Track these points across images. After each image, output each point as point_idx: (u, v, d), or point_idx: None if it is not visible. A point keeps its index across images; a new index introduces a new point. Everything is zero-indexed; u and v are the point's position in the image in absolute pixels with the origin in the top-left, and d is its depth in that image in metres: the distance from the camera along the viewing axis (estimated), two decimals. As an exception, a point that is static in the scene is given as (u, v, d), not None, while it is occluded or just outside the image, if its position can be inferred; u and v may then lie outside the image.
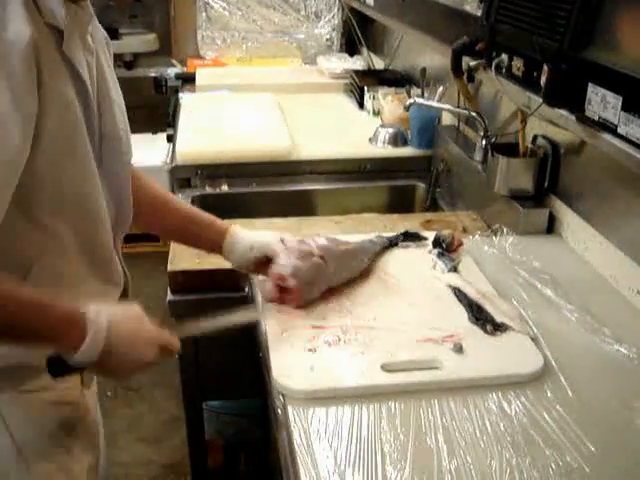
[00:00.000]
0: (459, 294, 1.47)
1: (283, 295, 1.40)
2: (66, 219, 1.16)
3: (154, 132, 4.00)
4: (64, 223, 1.16)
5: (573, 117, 1.49)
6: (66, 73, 1.09)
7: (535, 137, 1.85)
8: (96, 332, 1.09)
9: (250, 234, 1.49)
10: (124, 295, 1.37)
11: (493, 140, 2.02)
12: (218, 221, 1.51)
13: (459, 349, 1.29)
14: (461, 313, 1.42)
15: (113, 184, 1.26)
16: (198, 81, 3.38)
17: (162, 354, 1.24)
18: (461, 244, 1.66)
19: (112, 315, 1.13)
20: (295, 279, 1.39)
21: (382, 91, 2.85)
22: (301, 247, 1.43)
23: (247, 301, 1.56)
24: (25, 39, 1.00)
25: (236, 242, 1.47)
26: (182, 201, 1.54)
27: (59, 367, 1.12)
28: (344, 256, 1.49)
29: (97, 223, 1.23)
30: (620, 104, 1.32)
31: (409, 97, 2.47)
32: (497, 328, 1.36)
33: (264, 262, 1.45)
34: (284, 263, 1.40)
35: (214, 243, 1.49)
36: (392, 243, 1.67)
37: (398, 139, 2.56)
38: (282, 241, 1.45)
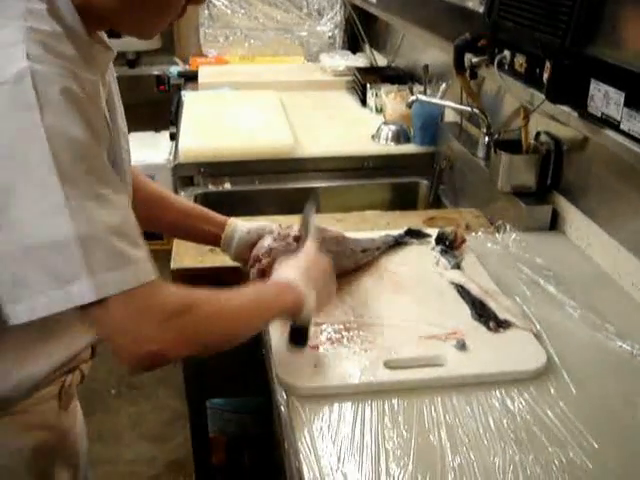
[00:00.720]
0: (462, 291, 1.47)
1: (263, 278, 1.42)
2: None
3: (157, 130, 4.00)
4: None
5: (576, 113, 1.49)
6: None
7: (538, 133, 1.85)
8: (308, 295, 1.21)
9: (248, 223, 1.52)
10: None
11: (496, 137, 2.02)
12: (217, 215, 1.54)
13: (462, 346, 1.29)
14: (464, 310, 1.42)
15: None
16: (201, 79, 3.38)
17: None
18: (464, 241, 1.66)
19: (303, 270, 1.27)
20: (268, 258, 1.42)
21: (385, 88, 2.85)
22: (281, 230, 1.47)
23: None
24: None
25: (235, 231, 1.51)
26: (179, 197, 1.56)
27: (298, 337, 1.25)
28: (332, 242, 1.50)
29: None
30: (623, 100, 1.31)
31: (412, 94, 2.47)
32: (500, 325, 1.36)
33: None
34: (261, 245, 1.45)
35: (213, 235, 1.51)
36: (397, 242, 1.66)
37: (401, 136, 2.56)
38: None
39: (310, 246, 1.36)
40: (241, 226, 1.51)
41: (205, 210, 1.55)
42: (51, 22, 0.95)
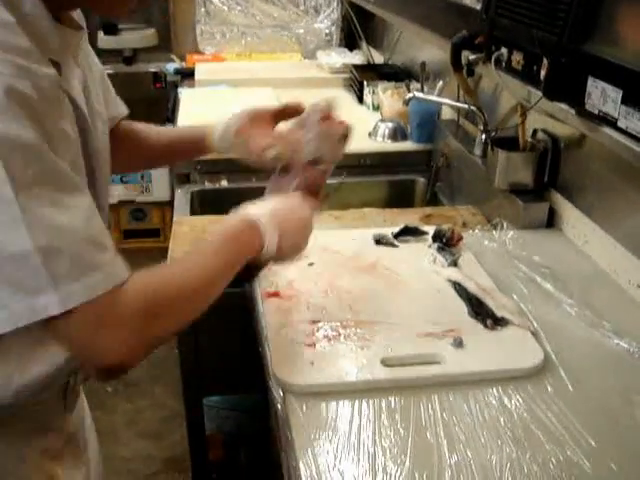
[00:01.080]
0: (459, 288, 1.47)
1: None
2: None
3: (153, 127, 3.99)
4: None
5: (573, 111, 1.49)
6: (68, 108, 1.03)
7: (535, 131, 1.85)
8: (271, 234, 1.18)
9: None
10: None
11: (493, 134, 2.02)
12: (196, 128, 1.54)
13: (459, 344, 1.29)
14: (461, 307, 1.42)
15: (101, 197, 1.24)
16: (197, 76, 3.37)
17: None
18: (461, 238, 1.66)
19: (274, 211, 1.23)
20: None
21: (382, 85, 2.84)
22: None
23: (247, 296, 1.55)
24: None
25: (217, 124, 1.49)
26: (153, 128, 1.53)
27: (246, 273, 1.23)
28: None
29: None
30: (620, 97, 1.31)
31: (409, 91, 2.46)
32: (497, 322, 1.36)
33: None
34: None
35: (200, 141, 1.51)
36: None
37: (398, 133, 2.56)
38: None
39: (295, 194, 1.35)
40: (222, 119, 1.49)
41: (182, 131, 1.57)
42: (2, 12, 0.90)
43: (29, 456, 1.21)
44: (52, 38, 0.99)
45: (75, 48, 1.10)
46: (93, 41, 3.80)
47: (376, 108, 2.90)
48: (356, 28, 3.72)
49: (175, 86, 3.40)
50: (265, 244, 1.18)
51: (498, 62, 1.74)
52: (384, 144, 2.55)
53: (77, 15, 1.15)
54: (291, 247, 1.24)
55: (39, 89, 0.90)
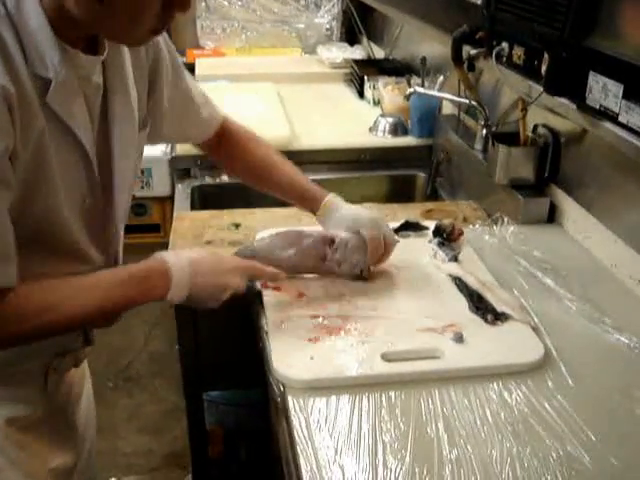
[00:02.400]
0: (460, 283, 1.47)
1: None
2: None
3: (154, 122, 3.99)
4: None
5: (574, 106, 1.49)
6: (42, 121, 1.08)
7: (536, 126, 1.84)
8: (180, 271, 1.23)
9: (349, 207, 1.53)
10: None
11: (494, 129, 2.02)
12: (315, 193, 1.55)
13: (459, 338, 1.28)
14: (462, 303, 1.42)
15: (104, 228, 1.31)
16: (197, 71, 3.36)
17: (250, 277, 1.37)
18: (461, 233, 1.66)
19: (191, 255, 1.28)
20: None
21: (382, 80, 2.84)
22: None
23: (250, 292, 1.55)
24: None
25: (330, 211, 1.52)
26: (282, 167, 1.59)
27: None
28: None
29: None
30: (621, 92, 1.31)
31: (409, 86, 2.46)
32: (498, 317, 1.35)
33: None
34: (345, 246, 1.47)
35: (312, 203, 1.55)
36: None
37: (398, 129, 2.56)
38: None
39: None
40: (343, 206, 1.52)
41: (302, 190, 1.56)
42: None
43: None
44: (50, 56, 1.06)
45: (85, 69, 1.15)
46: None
47: (377, 103, 2.89)
48: (357, 23, 3.71)
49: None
50: (169, 295, 1.23)
51: (499, 57, 1.74)
52: (384, 139, 2.55)
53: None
54: (197, 302, 1.29)
55: None
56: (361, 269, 1.47)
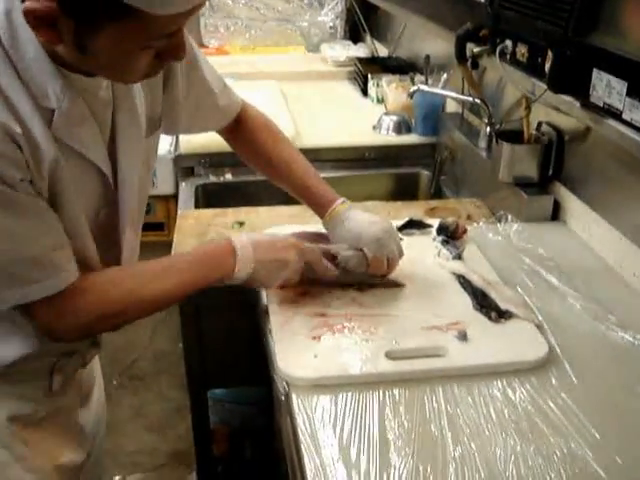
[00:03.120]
0: (463, 281, 1.47)
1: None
2: None
3: (158, 121, 3.99)
4: None
5: (578, 103, 1.49)
6: (53, 151, 1.08)
7: (539, 124, 1.84)
8: (244, 248, 1.28)
9: (358, 215, 1.49)
10: None
11: (497, 127, 2.01)
12: (326, 196, 1.53)
13: (464, 336, 1.28)
14: (465, 300, 1.42)
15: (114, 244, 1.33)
16: (201, 69, 3.36)
17: (307, 259, 1.36)
18: (465, 231, 1.66)
19: (250, 235, 1.33)
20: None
21: (386, 78, 2.84)
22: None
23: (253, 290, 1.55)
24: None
25: (336, 220, 1.49)
26: (299, 167, 1.58)
27: None
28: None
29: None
30: (625, 90, 1.31)
31: (413, 84, 2.46)
32: (502, 315, 1.35)
33: None
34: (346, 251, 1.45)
35: (322, 207, 1.53)
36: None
37: (402, 127, 2.56)
38: None
39: (288, 237, 1.40)
40: (354, 216, 1.47)
41: (312, 192, 1.54)
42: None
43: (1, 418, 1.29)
44: (52, 85, 1.06)
45: (86, 91, 1.13)
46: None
47: (380, 101, 2.89)
48: (360, 21, 3.71)
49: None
50: (236, 271, 1.27)
51: (503, 54, 1.74)
52: (388, 137, 2.55)
53: None
54: (261, 280, 1.33)
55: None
56: (358, 283, 1.46)
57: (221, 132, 1.59)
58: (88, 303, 1.17)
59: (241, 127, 1.57)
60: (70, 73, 1.08)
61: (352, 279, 1.45)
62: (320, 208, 1.51)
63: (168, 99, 1.36)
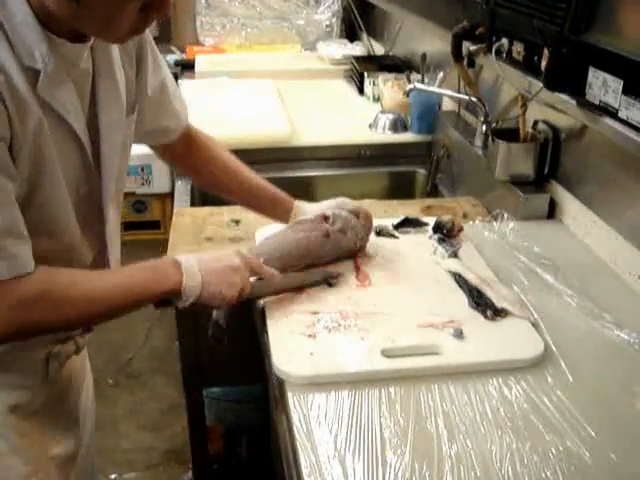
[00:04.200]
0: (459, 279, 1.47)
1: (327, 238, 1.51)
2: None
3: (153, 119, 3.98)
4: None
5: (574, 101, 1.49)
6: (38, 111, 1.09)
7: (536, 122, 1.84)
8: (187, 260, 1.25)
9: (313, 205, 1.59)
10: None
11: (493, 125, 2.02)
12: (284, 197, 1.61)
13: (459, 334, 1.28)
14: (461, 298, 1.42)
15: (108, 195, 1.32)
16: (197, 68, 3.36)
17: (247, 261, 1.35)
18: (461, 230, 1.66)
19: (193, 254, 1.30)
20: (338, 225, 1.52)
21: (382, 77, 2.84)
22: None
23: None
24: None
25: (302, 214, 1.57)
26: (251, 173, 1.61)
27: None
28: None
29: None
30: (621, 88, 1.31)
31: (409, 83, 2.46)
32: (497, 313, 1.35)
33: None
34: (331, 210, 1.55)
35: (280, 218, 1.61)
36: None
37: (398, 125, 2.56)
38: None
39: (229, 252, 1.36)
40: (309, 207, 1.57)
41: (270, 192, 1.60)
42: None
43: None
44: (38, 47, 1.07)
45: (75, 58, 1.16)
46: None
47: (376, 99, 2.89)
48: (357, 19, 3.71)
49: (175, 78, 3.37)
50: (184, 282, 1.23)
51: (499, 53, 1.74)
52: (384, 135, 2.55)
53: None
54: (213, 293, 1.27)
55: None
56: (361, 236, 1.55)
57: (167, 152, 1.61)
58: (26, 296, 1.11)
59: (190, 143, 1.59)
60: (55, 37, 1.10)
61: (353, 235, 1.52)
62: (285, 204, 1.60)
63: (139, 87, 1.38)
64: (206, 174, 1.62)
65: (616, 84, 1.32)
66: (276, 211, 1.61)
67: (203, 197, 2.29)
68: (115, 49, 1.26)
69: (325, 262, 1.51)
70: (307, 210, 1.57)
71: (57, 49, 1.10)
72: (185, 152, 1.59)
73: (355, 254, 1.56)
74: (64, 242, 1.24)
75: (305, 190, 2.37)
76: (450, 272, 1.50)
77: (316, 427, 1.09)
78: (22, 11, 1.05)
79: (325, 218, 1.50)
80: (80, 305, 1.17)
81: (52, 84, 1.11)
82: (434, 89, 2.36)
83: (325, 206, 1.56)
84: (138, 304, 1.24)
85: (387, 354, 1.24)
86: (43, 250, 1.16)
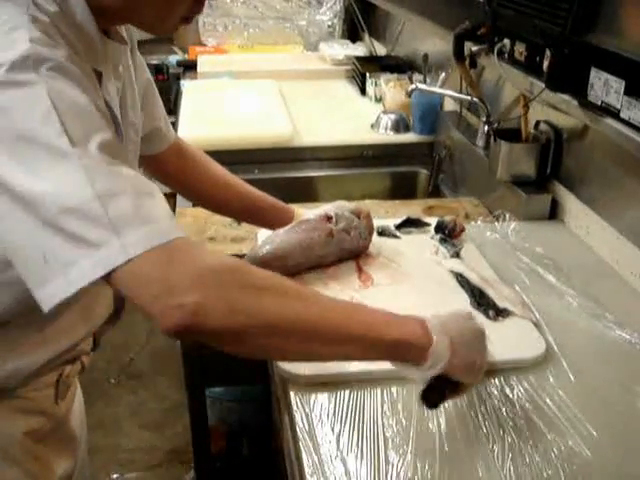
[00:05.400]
0: (461, 280, 1.47)
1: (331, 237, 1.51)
2: None
3: (156, 119, 3.99)
4: None
5: (576, 102, 1.49)
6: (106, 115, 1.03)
7: (538, 122, 1.84)
8: (433, 319, 1.01)
9: (312, 210, 1.55)
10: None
11: (495, 126, 2.02)
12: (282, 205, 1.57)
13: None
14: (463, 299, 1.42)
15: None
16: (200, 68, 3.37)
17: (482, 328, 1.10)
18: (463, 230, 1.66)
19: (443, 318, 1.04)
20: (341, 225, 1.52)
21: (384, 77, 2.84)
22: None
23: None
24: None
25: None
26: (244, 183, 1.57)
27: (432, 396, 1.05)
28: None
29: None
30: (623, 88, 1.31)
31: (411, 83, 2.46)
32: (499, 313, 1.36)
33: None
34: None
35: (280, 225, 1.53)
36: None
37: (400, 125, 2.56)
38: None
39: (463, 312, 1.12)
40: (309, 212, 1.54)
41: (270, 200, 1.56)
42: (56, 13, 0.97)
43: (15, 435, 1.24)
44: (98, 48, 1.06)
45: (117, 58, 1.16)
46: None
47: (378, 100, 2.89)
48: (359, 20, 3.71)
49: (177, 78, 3.40)
50: (434, 343, 0.98)
51: (501, 53, 1.74)
52: (386, 136, 2.55)
53: (123, 30, 1.21)
54: (465, 359, 1.02)
55: (83, 73, 0.95)
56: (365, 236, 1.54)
57: (156, 166, 1.54)
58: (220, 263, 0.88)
59: (181, 156, 1.56)
60: (107, 39, 1.09)
61: (357, 234, 1.53)
62: (285, 210, 1.56)
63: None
64: (200, 185, 1.56)
65: (618, 84, 1.32)
66: (278, 220, 1.56)
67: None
68: (127, 52, 1.26)
69: (329, 262, 1.51)
70: (311, 210, 1.56)
71: (106, 49, 1.09)
72: (178, 165, 1.54)
73: (358, 255, 1.56)
74: None
75: (307, 190, 2.38)
76: (452, 272, 1.51)
77: (318, 426, 1.10)
78: (82, 10, 1.01)
79: (328, 218, 1.50)
80: (256, 325, 0.89)
81: (108, 84, 1.11)
82: (436, 89, 2.36)
83: (325, 208, 1.55)
84: (354, 354, 0.99)
85: (389, 354, 1.24)
86: None
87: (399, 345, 0.97)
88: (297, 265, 1.47)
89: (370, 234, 1.57)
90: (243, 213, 1.60)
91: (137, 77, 1.32)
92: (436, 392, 1.03)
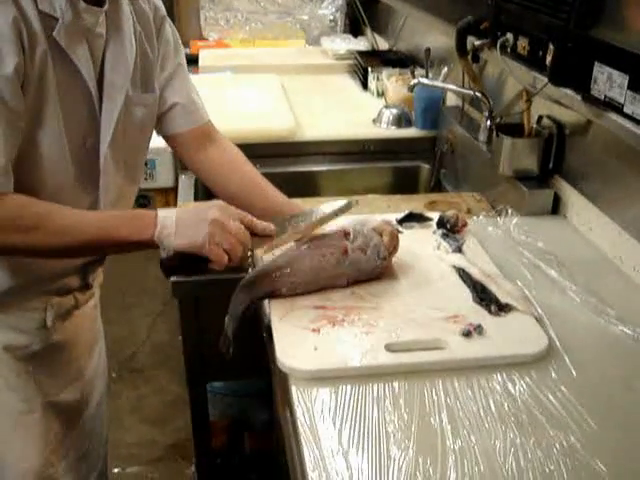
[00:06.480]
0: (463, 275, 1.47)
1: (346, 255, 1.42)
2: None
3: (157, 114, 3.98)
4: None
5: (579, 96, 1.48)
6: (44, 44, 1.19)
7: (540, 117, 1.84)
8: (164, 210, 1.25)
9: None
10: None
11: (498, 120, 2.01)
12: (280, 199, 1.58)
13: (467, 334, 1.27)
14: (465, 294, 1.41)
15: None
16: (201, 62, 3.36)
17: (229, 212, 1.30)
18: (465, 225, 1.66)
19: (178, 210, 1.27)
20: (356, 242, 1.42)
21: (386, 72, 2.84)
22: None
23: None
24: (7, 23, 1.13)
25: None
26: (270, 186, 1.59)
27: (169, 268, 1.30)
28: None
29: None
30: (626, 83, 1.31)
31: (413, 78, 2.46)
32: (501, 308, 1.35)
33: None
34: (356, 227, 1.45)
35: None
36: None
37: (402, 120, 2.55)
38: None
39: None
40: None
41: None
42: None
43: None
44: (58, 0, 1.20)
45: (92, 21, 1.27)
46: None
47: (380, 94, 2.89)
48: (360, 14, 3.70)
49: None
50: (157, 232, 1.22)
51: (503, 48, 1.74)
52: (388, 130, 2.55)
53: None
54: (186, 234, 1.24)
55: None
56: (383, 256, 1.43)
57: (183, 144, 1.63)
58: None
59: (211, 142, 1.62)
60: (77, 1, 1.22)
61: (373, 253, 1.41)
62: None
63: (159, 60, 1.48)
64: (225, 181, 1.61)
65: (621, 79, 1.32)
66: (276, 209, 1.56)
67: (206, 191, 2.29)
68: (126, 21, 1.35)
69: (342, 285, 1.42)
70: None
71: (75, 9, 1.21)
72: (201, 150, 1.60)
73: (376, 277, 1.45)
74: (57, 180, 1.31)
75: (309, 185, 2.38)
76: (454, 267, 1.50)
77: (320, 422, 1.09)
78: None
79: (346, 234, 1.41)
80: (50, 234, 1.20)
81: (67, 34, 1.21)
82: (438, 84, 2.35)
83: (346, 222, 1.46)
84: (113, 247, 1.28)
85: (391, 349, 1.24)
86: (35, 185, 1.26)
87: (139, 244, 1.24)
88: (307, 284, 1.39)
89: (391, 254, 1.47)
90: (264, 217, 1.57)
91: (163, 53, 1.48)
92: (176, 263, 1.27)
